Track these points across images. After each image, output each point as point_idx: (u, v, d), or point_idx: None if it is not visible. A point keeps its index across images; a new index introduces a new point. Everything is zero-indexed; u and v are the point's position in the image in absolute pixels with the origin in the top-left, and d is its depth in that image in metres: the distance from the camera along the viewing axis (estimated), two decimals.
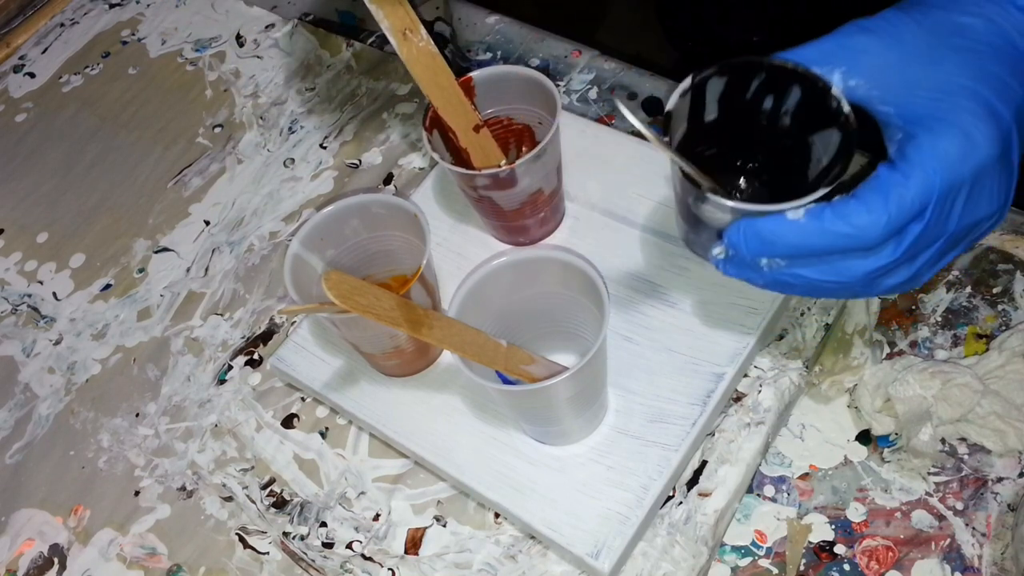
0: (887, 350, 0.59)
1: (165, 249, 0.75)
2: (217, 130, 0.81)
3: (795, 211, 0.41)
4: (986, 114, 0.39)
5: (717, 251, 0.45)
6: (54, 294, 0.74)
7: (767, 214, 0.41)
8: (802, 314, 0.59)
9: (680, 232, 0.49)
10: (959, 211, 0.40)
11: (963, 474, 0.55)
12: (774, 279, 0.43)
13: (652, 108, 0.73)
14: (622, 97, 0.74)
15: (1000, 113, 0.40)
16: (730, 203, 0.42)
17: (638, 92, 0.74)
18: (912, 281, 0.43)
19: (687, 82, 0.45)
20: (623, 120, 0.72)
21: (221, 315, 0.70)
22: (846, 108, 0.42)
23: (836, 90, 0.42)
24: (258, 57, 0.85)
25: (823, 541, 0.54)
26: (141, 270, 0.74)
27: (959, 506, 0.54)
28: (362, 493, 0.60)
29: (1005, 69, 0.41)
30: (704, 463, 0.56)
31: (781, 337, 0.59)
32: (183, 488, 0.63)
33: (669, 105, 0.46)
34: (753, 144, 0.47)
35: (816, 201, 0.41)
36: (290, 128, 0.80)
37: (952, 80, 0.40)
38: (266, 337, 0.68)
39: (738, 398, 0.58)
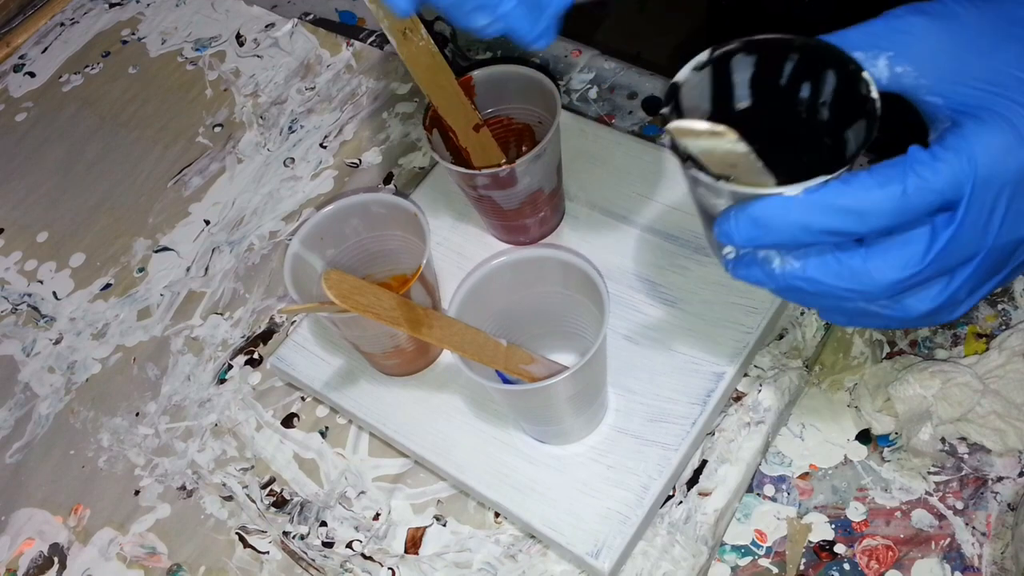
0: (887, 349, 0.59)
1: (165, 249, 0.75)
2: (217, 130, 0.81)
3: (793, 189, 0.36)
4: None
5: (727, 250, 0.41)
6: (54, 293, 0.74)
7: (763, 196, 0.36)
8: (802, 313, 0.59)
9: (706, 238, 0.44)
10: (1000, 218, 0.36)
11: (963, 473, 0.55)
12: (786, 283, 0.38)
13: (652, 108, 0.73)
14: (622, 96, 0.74)
15: None
16: (726, 186, 0.37)
17: (638, 92, 0.74)
18: (949, 307, 0.38)
19: (704, 55, 0.40)
20: (623, 120, 0.72)
21: (221, 315, 0.70)
22: (874, 93, 0.38)
23: (867, 74, 0.38)
24: (258, 56, 0.85)
25: (823, 540, 0.54)
26: (141, 270, 0.74)
27: (959, 505, 0.54)
28: (362, 492, 0.60)
29: None
30: (704, 462, 0.56)
31: (781, 337, 0.59)
32: (183, 487, 0.63)
33: (678, 77, 0.41)
34: (789, 141, 0.42)
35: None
36: (290, 128, 0.80)
37: (1010, 72, 0.36)
38: (266, 336, 0.68)
39: (738, 397, 0.58)
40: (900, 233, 0.36)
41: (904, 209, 0.35)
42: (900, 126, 0.40)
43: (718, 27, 0.87)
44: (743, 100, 0.42)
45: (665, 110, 0.40)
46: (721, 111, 0.42)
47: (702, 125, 0.33)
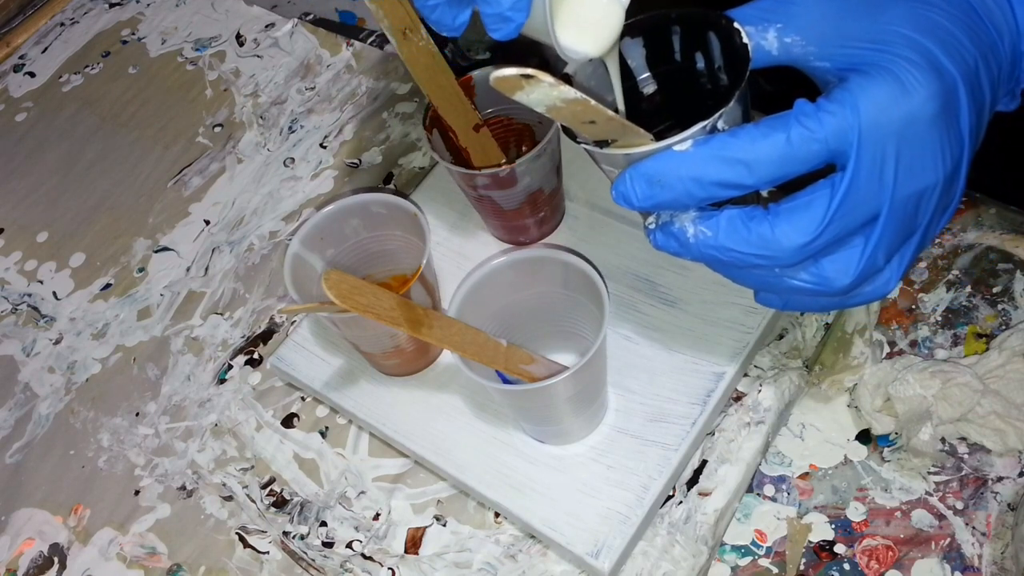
0: (887, 349, 0.59)
1: (165, 248, 0.75)
2: (217, 130, 0.81)
3: (682, 144, 0.36)
4: (926, 65, 0.36)
5: (648, 220, 0.41)
6: (54, 293, 0.74)
7: (653, 153, 0.37)
8: (802, 314, 0.59)
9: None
10: (892, 168, 0.36)
11: (963, 474, 0.55)
12: (700, 252, 0.39)
13: None
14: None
15: (943, 67, 0.36)
16: (614, 151, 0.37)
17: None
18: (871, 276, 0.39)
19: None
20: None
21: (221, 314, 0.70)
22: (745, 40, 0.39)
23: (737, 24, 0.39)
24: (258, 56, 0.85)
25: (823, 540, 0.54)
26: (141, 269, 0.74)
27: (959, 505, 0.54)
28: (362, 492, 0.60)
29: (956, 25, 0.37)
30: (704, 462, 0.56)
31: (781, 337, 0.59)
32: (183, 487, 0.63)
33: (568, 68, 0.41)
34: (700, 112, 0.41)
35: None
36: (290, 128, 0.80)
37: (892, 30, 0.37)
38: (266, 336, 0.68)
39: (738, 397, 0.58)
40: (803, 197, 0.37)
41: (789, 157, 0.35)
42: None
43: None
44: (647, 85, 0.42)
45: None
46: (628, 100, 0.42)
47: (511, 71, 0.32)
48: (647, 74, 0.42)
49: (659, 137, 0.38)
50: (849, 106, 0.35)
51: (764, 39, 0.39)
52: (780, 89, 0.43)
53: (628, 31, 0.41)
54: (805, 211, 0.37)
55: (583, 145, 0.38)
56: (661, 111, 0.43)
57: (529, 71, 0.32)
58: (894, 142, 0.36)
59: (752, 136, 0.36)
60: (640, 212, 0.40)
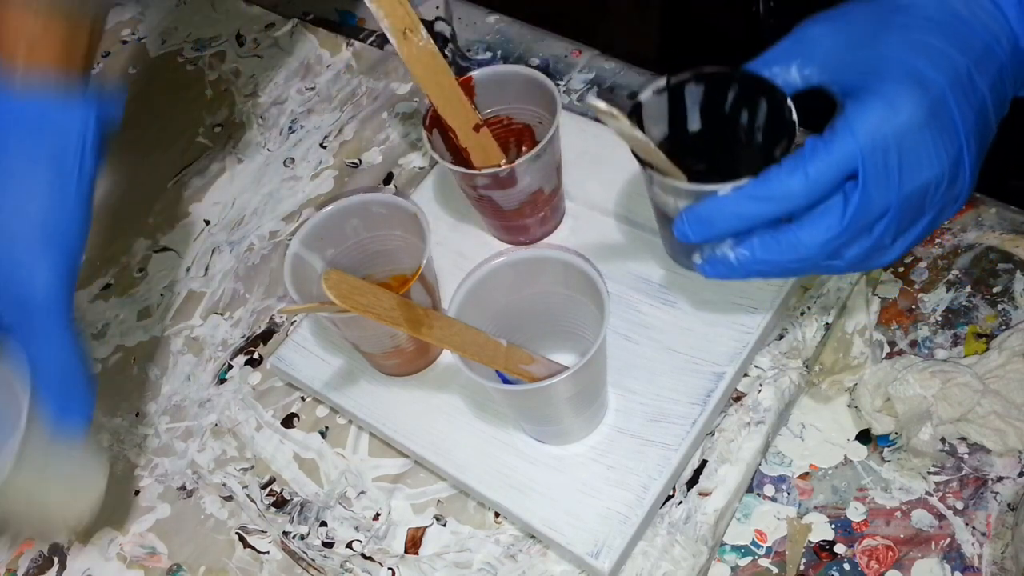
0: (887, 349, 0.59)
1: (165, 249, 0.75)
2: (217, 130, 0.81)
3: (724, 188, 0.44)
4: (911, 81, 0.42)
5: (696, 256, 0.48)
6: None
7: (703, 194, 0.45)
8: (802, 314, 0.59)
9: (666, 248, 0.52)
10: (897, 173, 0.42)
11: (963, 474, 0.55)
12: (745, 269, 0.46)
13: None
14: (622, 96, 0.74)
15: (929, 79, 0.42)
16: (673, 183, 0.46)
17: (638, 92, 0.74)
18: (879, 252, 0.46)
19: (662, 81, 0.49)
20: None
21: (221, 315, 0.70)
22: (793, 117, 0.46)
23: (789, 101, 0.46)
24: (258, 56, 0.85)
25: (823, 540, 0.54)
26: (141, 270, 0.74)
27: (959, 506, 0.54)
28: (362, 492, 0.60)
29: (943, 40, 0.43)
30: (704, 462, 0.56)
31: (781, 337, 0.59)
32: (183, 487, 0.63)
33: (641, 96, 0.49)
34: (736, 162, 0.49)
35: None
36: (290, 128, 0.80)
37: (885, 54, 0.43)
38: (266, 337, 0.68)
39: (738, 398, 0.58)
40: (821, 205, 0.44)
41: (812, 187, 0.43)
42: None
43: (673, 40, 0.91)
44: (695, 124, 0.51)
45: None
46: (676, 132, 0.51)
47: (603, 104, 0.41)
48: (697, 114, 0.50)
49: (697, 177, 0.47)
50: (849, 134, 0.42)
51: (788, 74, 0.47)
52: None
53: (694, 79, 0.49)
54: (823, 217, 0.44)
55: (646, 170, 0.47)
56: (702, 148, 0.51)
57: (615, 111, 0.42)
58: (894, 151, 0.42)
59: (778, 176, 0.43)
60: (693, 244, 0.48)
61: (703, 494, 0.55)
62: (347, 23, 0.87)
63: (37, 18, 0.49)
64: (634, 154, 0.47)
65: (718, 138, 0.50)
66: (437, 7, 0.83)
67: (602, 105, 0.41)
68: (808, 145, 0.43)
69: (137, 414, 0.67)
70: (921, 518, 0.54)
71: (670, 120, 0.50)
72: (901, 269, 0.62)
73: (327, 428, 0.63)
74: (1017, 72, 0.45)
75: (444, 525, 0.58)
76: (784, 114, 0.47)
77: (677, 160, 0.47)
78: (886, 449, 0.56)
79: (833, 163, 0.42)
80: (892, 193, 0.43)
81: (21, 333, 0.49)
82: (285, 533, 0.59)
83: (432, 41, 0.53)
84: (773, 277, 0.48)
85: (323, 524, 0.59)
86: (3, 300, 0.48)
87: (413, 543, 0.57)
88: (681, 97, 0.49)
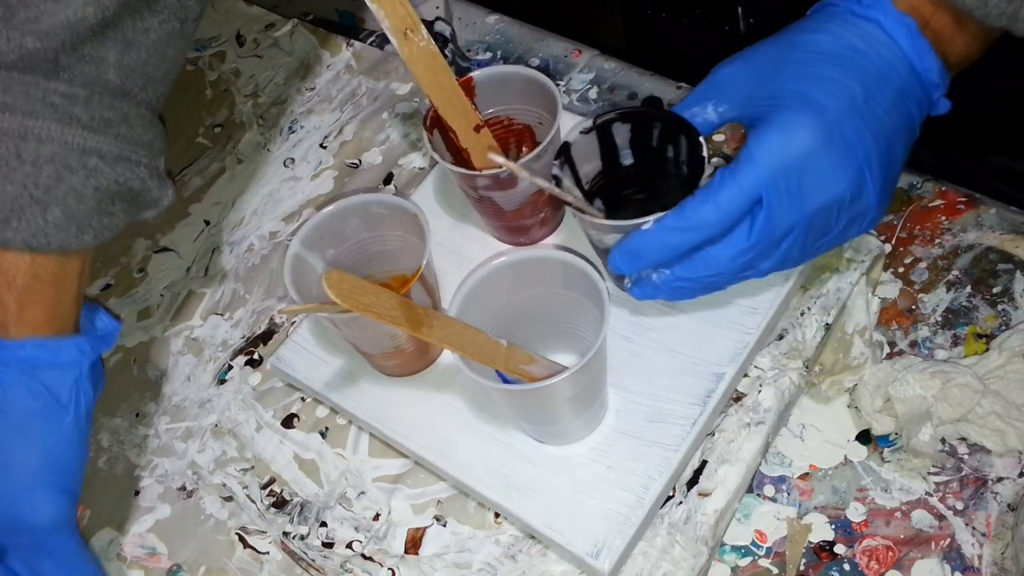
0: (887, 350, 0.59)
1: (165, 249, 0.75)
2: (217, 130, 0.81)
3: (647, 224, 0.48)
4: (806, 109, 0.46)
5: (626, 281, 0.52)
6: None
7: (629, 229, 0.49)
8: (802, 314, 0.59)
9: (603, 269, 0.54)
10: (799, 194, 0.46)
11: (963, 474, 0.55)
12: (670, 288, 0.50)
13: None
14: (622, 96, 0.74)
15: (823, 105, 0.46)
16: (600, 221, 0.50)
17: (638, 92, 0.74)
18: (787, 262, 0.49)
19: (588, 122, 0.53)
20: None
21: (221, 315, 0.70)
22: (704, 152, 0.50)
23: (701, 138, 0.50)
24: (258, 57, 0.85)
25: (823, 541, 0.54)
26: (141, 270, 0.74)
27: (959, 506, 0.54)
28: (362, 493, 0.60)
29: (837, 70, 0.47)
30: (704, 463, 0.56)
31: (781, 337, 0.59)
32: (183, 488, 0.63)
33: (568, 137, 0.53)
34: (669, 191, 0.53)
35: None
36: (290, 128, 0.80)
37: (783, 87, 0.47)
38: (266, 337, 0.68)
39: (738, 398, 0.58)
40: (735, 226, 0.48)
41: (724, 215, 0.46)
42: None
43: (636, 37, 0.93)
44: (627, 158, 0.55)
45: (555, 163, 0.53)
46: (610, 166, 0.55)
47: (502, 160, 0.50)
48: (628, 150, 0.55)
49: (637, 205, 0.54)
50: (751, 162, 0.46)
51: (706, 112, 0.51)
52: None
53: (621, 117, 0.53)
54: (733, 235, 0.48)
55: (581, 217, 0.52)
56: (633, 179, 0.56)
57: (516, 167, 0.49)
58: (795, 174, 0.46)
59: (693, 206, 0.47)
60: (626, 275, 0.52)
61: (703, 494, 0.55)
62: (347, 23, 0.87)
63: (11, 293, 0.50)
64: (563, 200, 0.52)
65: (650, 170, 0.54)
66: (437, 7, 0.82)
67: (502, 160, 0.49)
68: (717, 176, 0.47)
69: (137, 414, 0.67)
70: (921, 518, 0.54)
71: (602, 155, 0.55)
72: (901, 269, 0.62)
73: (327, 428, 0.63)
74: (921, 94, 0.48)
75: (444, 525, 0.58)
76: (698, 150, 0.51)
77: (616, 190, 0.54)
78: (886, 449, 0.56)
79: (739, 190, 0.46)
80: (796, 212, 0.46)
81: (34, 560, 0.50)
82: (285, 533, 0.59)
83: (433, 41, 0.53)
84: (697, 294, 0.51)
85: (323, 524, 0.59)
86: (7, 535, 0.50)
87: (413, 543, 0.57)
88: (610, 134, 0.54)
